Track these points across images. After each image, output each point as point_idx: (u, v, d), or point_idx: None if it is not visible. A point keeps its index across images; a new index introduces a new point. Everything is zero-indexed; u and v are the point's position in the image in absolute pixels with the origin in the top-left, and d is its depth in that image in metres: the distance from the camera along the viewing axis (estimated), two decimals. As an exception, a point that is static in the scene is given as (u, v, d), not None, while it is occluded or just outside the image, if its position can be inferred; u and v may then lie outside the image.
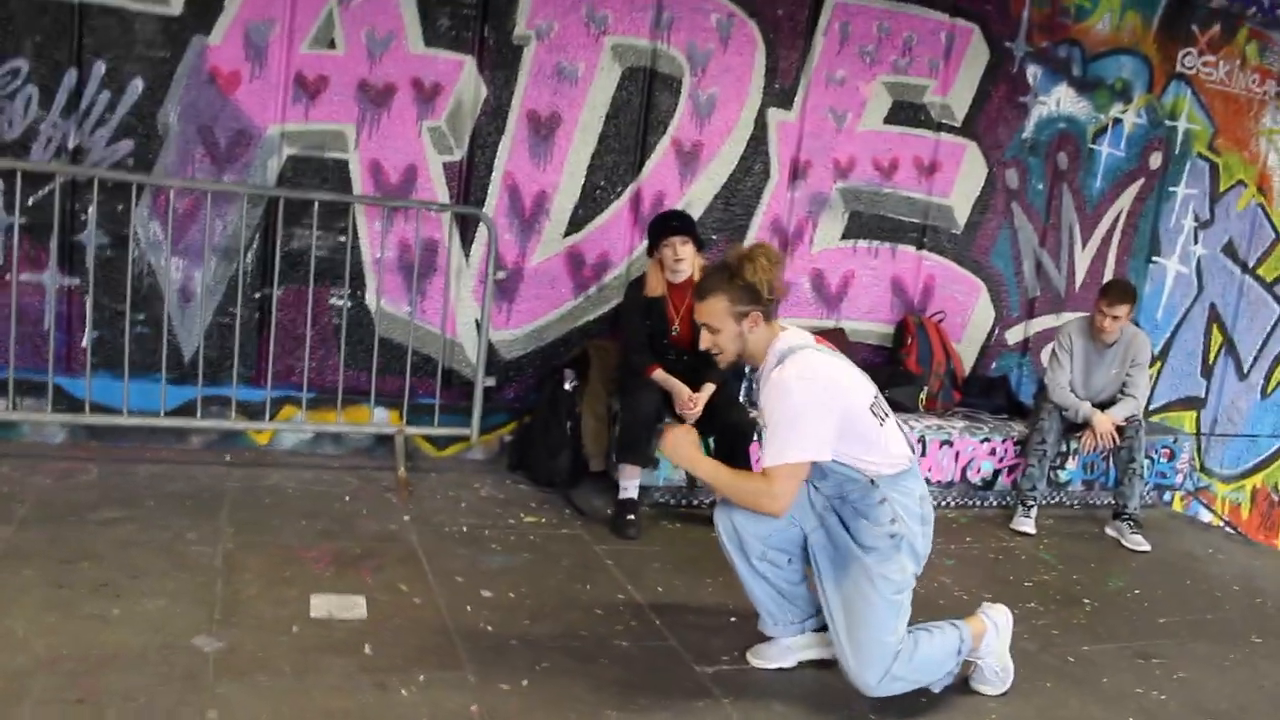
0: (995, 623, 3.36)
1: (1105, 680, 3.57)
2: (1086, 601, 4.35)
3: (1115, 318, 5.22)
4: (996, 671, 3.35)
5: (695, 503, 4.87)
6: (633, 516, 4.47)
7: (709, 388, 4.52)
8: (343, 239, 4.84)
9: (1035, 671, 3.56)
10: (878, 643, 3.08)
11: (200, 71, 4.58)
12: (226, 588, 3.39)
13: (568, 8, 5.06)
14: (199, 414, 4.60)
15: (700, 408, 4.46)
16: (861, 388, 3.13)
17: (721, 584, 3.90)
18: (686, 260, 4.56)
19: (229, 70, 4.62)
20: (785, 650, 3.36)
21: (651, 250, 4.67)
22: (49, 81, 4.40)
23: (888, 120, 5.78)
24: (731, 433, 4.51)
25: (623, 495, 4.55)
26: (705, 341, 3.19)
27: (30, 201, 4.41)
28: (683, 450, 3.16)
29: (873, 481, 3.10)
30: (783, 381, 3.00)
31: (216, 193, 4.61)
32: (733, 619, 3.66)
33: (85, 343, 4.54)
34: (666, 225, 4.59)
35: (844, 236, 5.81)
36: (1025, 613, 4.12)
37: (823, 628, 3.29)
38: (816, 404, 2.98)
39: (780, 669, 3.33)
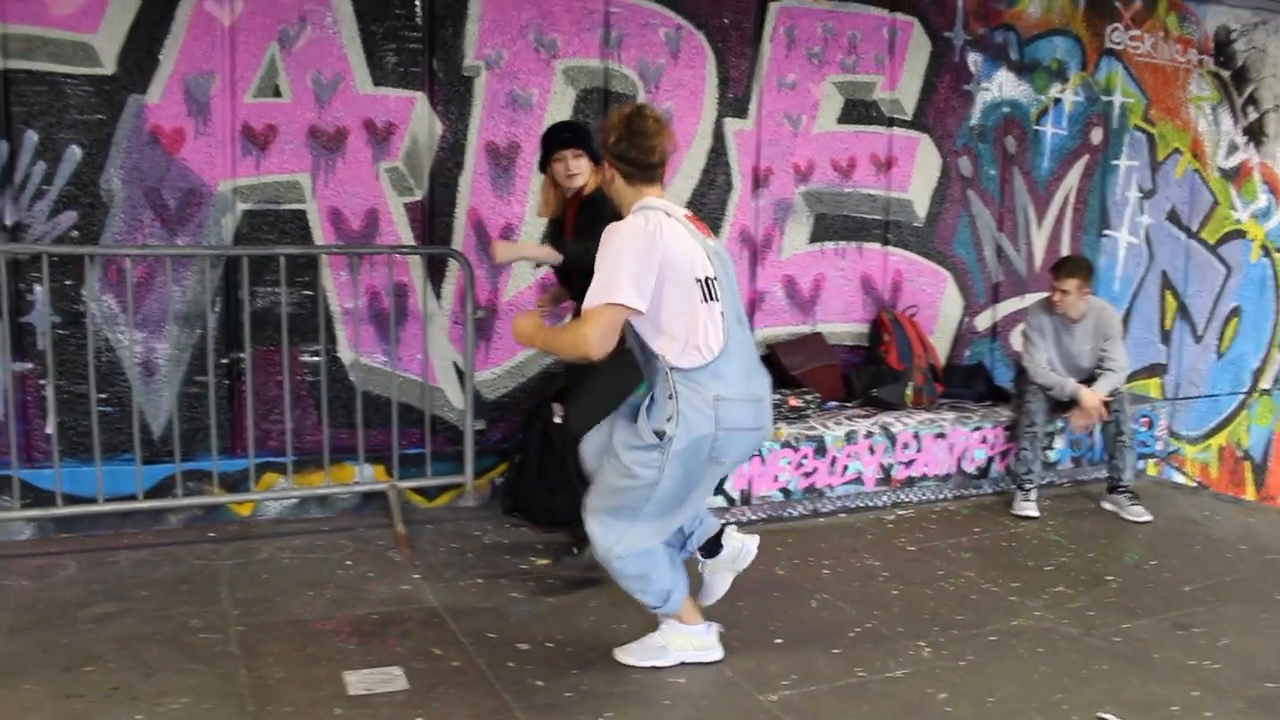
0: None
1: (1156, 656, 3.54)
2: (1110, 578, 4.33)
3: (1065, 291, 5.25)
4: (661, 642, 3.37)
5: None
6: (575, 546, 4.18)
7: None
8: (309, 293, 4.62)
9: (1088, 656, 3.52)
10: (603, 510, 3.13)
11: (141, 132, 4.35)
12: (251, 675, 3.16)
13: (515, 34, 4.92)
14: (180, 491, 4.33)
15: None
16: (699, 259, 3.03)
17: (755, 604, 3.78)
18: (581, 175, 4.00)
19: (171, 128, 4.39)
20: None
21: (544, 165, 4.12)
22: (-23, 157, 4.13)
23: (841, 120, 5.75)
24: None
25: None
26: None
27: (-29, 286, 4.13)
28: (523, 329, 3.16)
29: (670, 368, 2.99)
30: (614, 227, 3.00)
31: (174, 257, 4.37)
32: (778, 640, 3.54)
33: (49, 429, 4.23)
34: (559, 137, 4.06)
35: (811, 240, 5.76)
36: (1056, 597, 4.09)
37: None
38: (640, 251, 2.93)
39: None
